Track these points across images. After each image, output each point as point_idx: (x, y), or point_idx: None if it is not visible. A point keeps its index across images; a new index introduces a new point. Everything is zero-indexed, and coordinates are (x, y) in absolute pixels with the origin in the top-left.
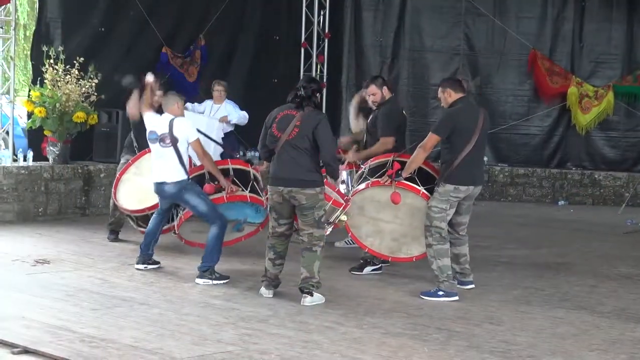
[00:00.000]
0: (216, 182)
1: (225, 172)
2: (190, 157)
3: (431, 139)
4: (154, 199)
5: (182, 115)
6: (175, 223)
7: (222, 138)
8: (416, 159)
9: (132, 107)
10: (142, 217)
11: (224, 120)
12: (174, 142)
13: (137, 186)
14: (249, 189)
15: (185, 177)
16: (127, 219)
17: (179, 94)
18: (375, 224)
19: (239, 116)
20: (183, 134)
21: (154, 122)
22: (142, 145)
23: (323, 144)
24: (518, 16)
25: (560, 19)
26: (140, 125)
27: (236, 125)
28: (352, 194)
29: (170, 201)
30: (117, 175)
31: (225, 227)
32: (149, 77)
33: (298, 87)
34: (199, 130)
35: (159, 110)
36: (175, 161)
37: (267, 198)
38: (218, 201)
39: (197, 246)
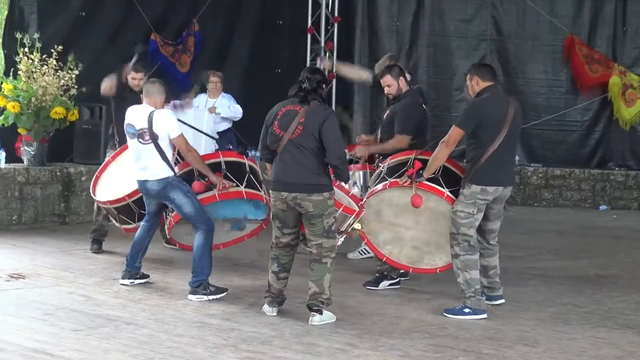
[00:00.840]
0: (206, 179)
1: (217, 167)
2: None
3: (454, 133)
4: (135, 185)
5: (162, 107)
6: (166, 227)
7: (219, 134)
8: (438, 156)
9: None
10: (124, 211)
11: (212, 111)
12: (154, 138)
13: (117, 179)
14: (244, 183)
15: (170, 173)
16: (111, 224)
17: (162, 83)
18: (394, 231)
19: (228, 111)
20: (164, 129)
21: (131, 113)
22: (123, 139)
23: (329, 144)
24: None
25: None
26: (120, 105)
27: (234, 122)
28: (367, 195)
29: (157, 200)
30: (97, 173)
31: (212, 232)
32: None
33: (301, 79)
34: (187, 124)
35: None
36: (157, 158)
37: (268, 199)
38: (210, 200)
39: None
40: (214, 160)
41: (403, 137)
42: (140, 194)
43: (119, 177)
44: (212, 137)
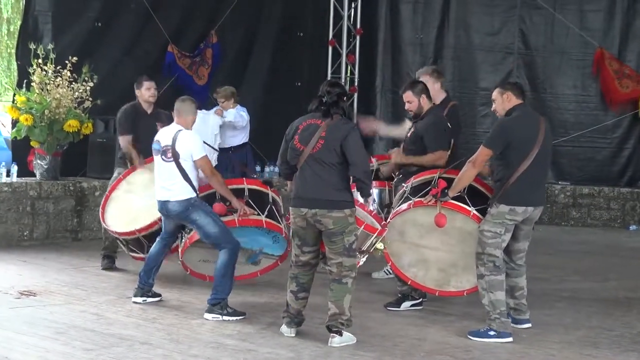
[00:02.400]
0: (228, 203)
1: (240, 193)
2: None
3: (482, 153)
4: (147, 219)
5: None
6: (180, 248)
7: (235, 149)
8: (465, 175)
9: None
10: (133, 242)
11: (219, 113)
12: (176, 157)
13: (128, 205)
14: (265, 212)
15: (193, 194)
16: (120, 250)
17: (195, 101)
18: (419, 252)
19: (235, 114)
20: (186, 150)
21: (161, 131)
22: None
23: (353, 157)
24: (582, 9)
25: (631, 12)
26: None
27: (251, 136)
28: (392, 215)
29: (176, 221)
30: (107, 193)
31: (237, 252)
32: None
33: (321, 93)
34: (210, 145)
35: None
36: (178, 178)
37: (287, 224)
38: (228, 225)
39: (204, 279)
40: (237, 187)
41: (442, 153)
42: (152, 230)
43: (131, 203)
44: (214, 149)
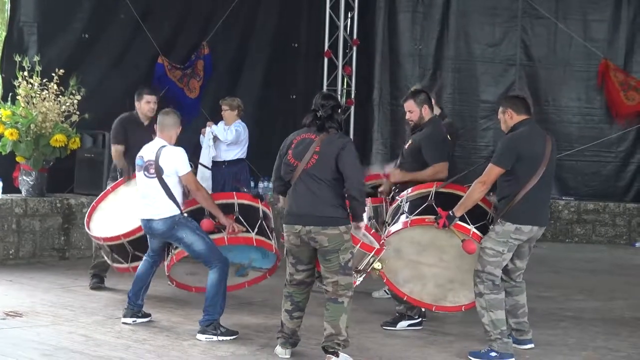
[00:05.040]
0: (216, 220)
1: (230, 208)
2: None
3: (492, 172)
4: (133, 224)
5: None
6: (166, 264)
7: (229, 164)
8: (474, 196)
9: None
10: (118, 249)
11: (203, 133)
12: (159, 173)
13: (114, 213)
14: (256, 229)
15: (177, 212)
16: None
17: (178, 113)
18: (415, 268)
19: (220, 128)
20: (171, 166)
21: (144, 147)
22: (125, 171)
23: (349, 173)
24: (585, 19)
25: (636, 21)
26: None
27: (248, 152)
28: (387, 234)
29: (162, 240)
30: (93, 203)
31: (227, 269)
32: None
33: (315, 107)
34: (200, 163)
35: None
36: (161, 195)
37: (282, 241)
38: (217, 243)
39: (190, 290)
40: (227, 201)
41: (440, 165)
42: (137, 235)
43: (117, 212)
44: (208, 168)
